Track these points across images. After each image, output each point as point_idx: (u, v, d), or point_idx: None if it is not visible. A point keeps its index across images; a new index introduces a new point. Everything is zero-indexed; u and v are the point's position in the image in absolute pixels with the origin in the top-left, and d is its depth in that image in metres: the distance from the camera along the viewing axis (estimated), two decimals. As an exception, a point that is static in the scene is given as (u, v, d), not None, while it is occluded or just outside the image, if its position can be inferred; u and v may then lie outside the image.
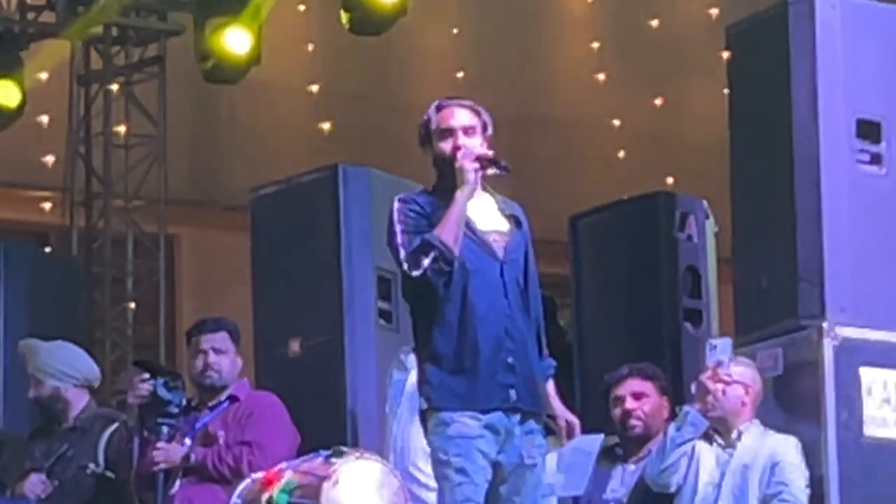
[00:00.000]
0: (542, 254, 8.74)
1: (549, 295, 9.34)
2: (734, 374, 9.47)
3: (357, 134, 15.85)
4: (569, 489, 9.86)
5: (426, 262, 8.32)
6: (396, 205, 8.54)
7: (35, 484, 10.42)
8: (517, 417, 8.42)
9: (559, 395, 8.70)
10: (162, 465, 10.03)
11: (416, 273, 8.34)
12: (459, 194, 8.39)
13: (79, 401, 10.67)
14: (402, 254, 8.42)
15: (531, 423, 8.46)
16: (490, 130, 8.62)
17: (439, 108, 8.64)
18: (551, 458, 9.02)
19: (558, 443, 8.81)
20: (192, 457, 10.11)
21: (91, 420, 10.63)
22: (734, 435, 9.49)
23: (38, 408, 10.88)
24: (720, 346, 9.77)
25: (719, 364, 9.62)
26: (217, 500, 9.84)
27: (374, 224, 10.45)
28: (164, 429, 10.04)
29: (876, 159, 9.61)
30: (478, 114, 8.63)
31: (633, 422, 9.95)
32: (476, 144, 8.51)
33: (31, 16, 15.87)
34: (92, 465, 10.48)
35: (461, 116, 8.58)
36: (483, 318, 8.42)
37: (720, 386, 9.55)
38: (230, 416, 10.26)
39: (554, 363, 8.65)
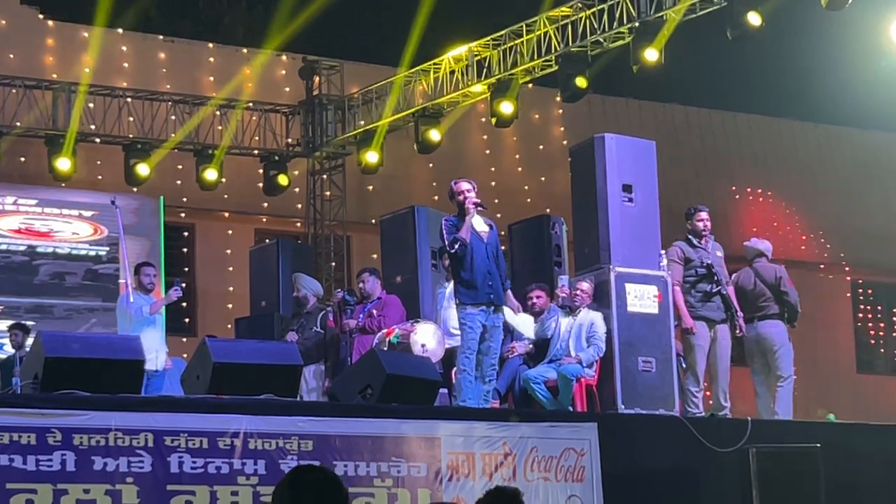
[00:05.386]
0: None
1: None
2: (580, 287, 9.20)
3: (423, 193, 15.81)
4: (524, 331, 9.65)
5: (457, 246, 8.51)
6: (444, 222, 8.75)
7: (291, 335, 10.17)
8: (493, 306, 8.60)
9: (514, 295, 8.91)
10: (347, 330, 9.91)
11: (452, 251, 8.60)
12: (467, 219, 8.61)
13: (312, 300, 10.50)
14: (447, 243, 8.63)
15: (499, 310, 8.67)
16: (475, 188, 8.76)
17: (456, 183, 8.86)
18: (509, 313, 8.97)
19: (510, 311, 8.99)
20: (359, 324, 9.95)
21: (314, 309, 10.43)
22: (577, 313, 9.24)
23: (294, 302, 10.72)
24: (563, 279, 9.76)
25: (563, 285, 9.56)
26: (371, 343, 9.61)
27: (431, 229, 10.42)
28: (348, 311, 9.95)
29: (630, 200, 9.32)
30: (471, 182, 8.80)
31: (534, 309, 9.69)
32: (473, 196, 8.67)
33: (291, 148, 15.91)
34: (315, 328, 10.28)
35: (466, 186, 8.75)
36: (479, 267, 8.56)
37: (563, 294, 9.45)
38: (378, 305, 10.08)
39: (509, 283, 8.89)
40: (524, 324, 9.57)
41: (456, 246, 8.56)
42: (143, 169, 14.43)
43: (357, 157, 15.45)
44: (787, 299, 9.73)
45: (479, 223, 8.72)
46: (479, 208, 8.65)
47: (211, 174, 14.99)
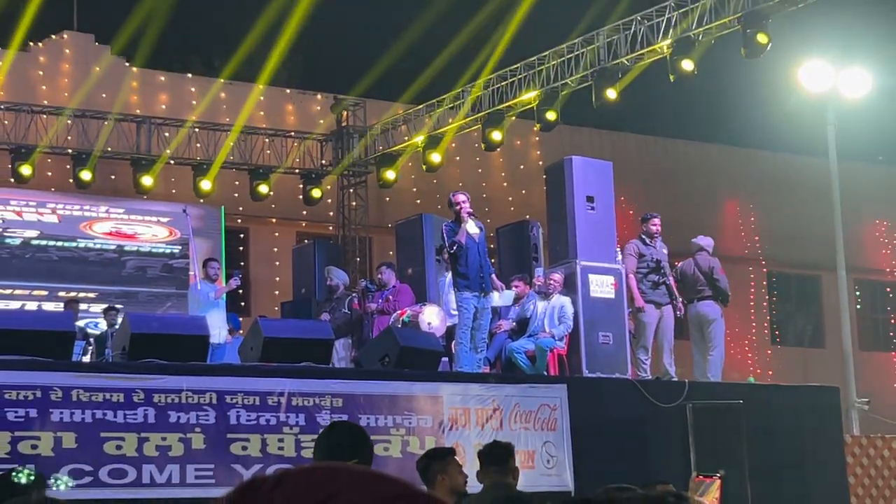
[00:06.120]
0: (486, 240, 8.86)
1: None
2: (553, 277, 9.12)
3: (428, 203, 15.73)
4: (505, 303, 9.52)
5: (454, 248, 8.44)
6: (444, 227, 8.68)
7: (325, 315, 10.07)
8: (483, 293, 8.54)
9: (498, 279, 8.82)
10: (370, 311, 9.88)
11: (451, 252, 8.53)
12: (463, 226, 8.52)
13: (341, 288, 10.43)
14: (447, 244, 8.55)
15: (488, 295, 8.62)
16: (469, 199, 8.66)
17: (453, 194, 8.81)
18: (496, 296, 8.85)
19: (496, 294, 8.87)
20: (378, 307, 9.89)
21: (343, 295, 10.36)
22: (551, 297, 9.18)
23: (327, 289, 10.60)
24: (539, 271, 9.75)
25: (538, 276, 9.53)
26: (388, 322, 9.52)
27: (435, 232, 10.30)
28: (370, 296, 9.92)
29: (592, 208, 9.26)
30: (466, 195, 8.72)
31: (518, 293, 9.59)
32: (467, 206, 8.58)
33: (324, 168, 15.72)
34: (344, 310, 10.19)
35: (462, 198, 8.66)
36: (472, 262, 8.48)
37: (539, 282, 9.41)
38: (393, 293, 10.02)
39: (493, 270, 8.77)
40: (505, 297, 9.45)
41: (454, 248, 8.51)
42: (206, 185, 14.37)
43: (377, 175, 15.41)
44: (719, 285, 9.67)
45: (471, 227, 8.66)
46: (471, 216, 8.59)
47: (262, 188, 14.95)
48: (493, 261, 9.45)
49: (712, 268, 9.69)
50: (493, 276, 8.81)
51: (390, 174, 15.30)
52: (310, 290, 11.92)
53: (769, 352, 18.43)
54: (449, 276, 9.41)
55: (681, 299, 9.58)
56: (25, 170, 13.35)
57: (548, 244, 9.81)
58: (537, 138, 17.55)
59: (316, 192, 15.51)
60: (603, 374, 8.94)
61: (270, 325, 8.14)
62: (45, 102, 14.26)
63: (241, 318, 12.63)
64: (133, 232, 14.30)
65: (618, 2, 12.70)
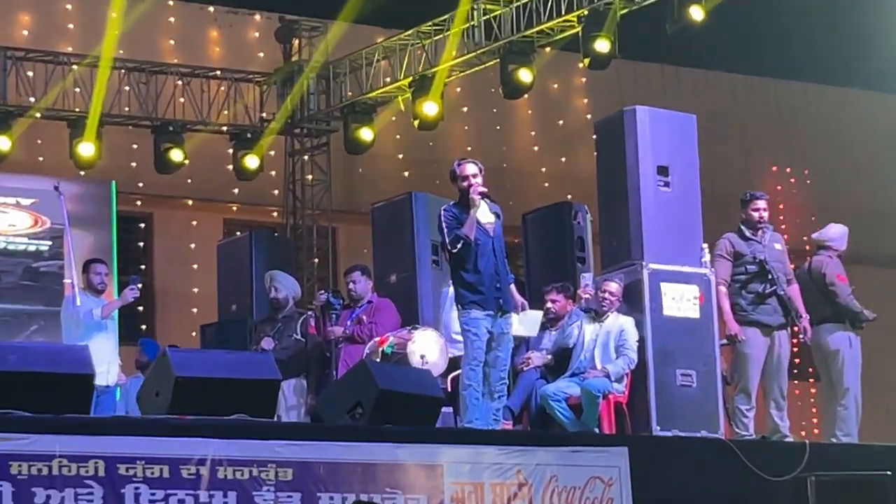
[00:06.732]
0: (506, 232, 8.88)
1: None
2: (608, 288, 9.20)
3: (421, 176, 15.84)
4: (527, 333, 9.63)
5: (459, 245, 8.47)
6: (442, 213, 8.69)
7: (267, 343, 10.19)
8: (501, 311, 8.59)
9: (517, 291, 8.88)
10: (332, 338, 9.96)
11: (454, 251, 8.55)
12: (472, 212, 8.56)
13: (290, 303, 10.52)
14: (447, 240, 8.56)
15: (507, 314, 8.66)
16: (482, 171, 8.71)
17: (458, 164, 8.78)
18: (514, 319, 8.88)
19: (514, 313, 8.87)
20: (347, 332, 10.00)
21: (292, 313, 10.45)
22: (604, 318, 9.26)
23: (271, 305, 10.70)
24: (587, 277, 9.86)
25: (586, 285, 9.63)
26: (361, 354, 9.66)
27: (430, 220, 10.40)
28: (333, 316, 9.99)
29: (666, 184, 9.40)
30: (476, 164, 8.74)
31: (550, 315, 9.71)
32: (479, 182, 8.62)
33: (266, 124, 15.81)
34: (294, 335, 10.28)
35: (470, 169, 8.69)
36: (485, 267, 8.54)
37: (587, 296, 9.51)
38: (369, 310, 10.15)
39: (513, 277, 8.80)
40: (532, 319, 9.61)
41: (458, 245, 8.54)
42: (86, 149, 14.32)
43: (344, 135, 15.44)
44: (837, 300, 9.76)
45: (484, 213, 8.68)
46: (485, 197, 8.62)
47: (174, 154, 14.97)
48: (517, 264, 9.56)
49: (824, 274, 9.75)
50: (512, 285, 8.84)
51: (365, 133, 15.36)
52: (244, 305, 12.04)
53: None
54: (452, 287, 9.39)
55: (806, 317, 9.59)
56: None
57: (599, 238, 9.92)
58: (583, 79, 17.64)
59: (252, 161, 15.60)
60: (682, 431, 9.03)
61: (185, 358, 8.15)
62: None
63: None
64: (-23, 220, 14.32)
65: None
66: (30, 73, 14.71)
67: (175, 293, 15.90)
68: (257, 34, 16.72)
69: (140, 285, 10.46)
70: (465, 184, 8.66)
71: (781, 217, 16.06)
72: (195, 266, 15.85)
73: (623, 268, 9.38)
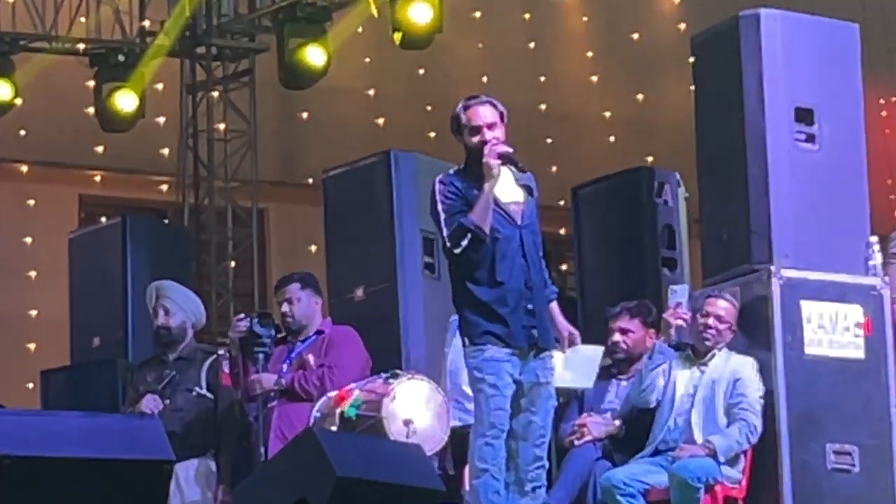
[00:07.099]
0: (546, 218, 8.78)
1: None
2: (715, 311, 9.31)
3: (404, 126, 15.83)
4: (578, 383, 9.75)
5: (465, 242, 8.30)
6: (438, 186, 8.49)
7: (150, 402, 10.26)
8: (536, 349, 8.42)
9: (562, 312, 8.68)
10: (258, 392, 9.96)
11: (457, 251, 8.35)
12: (487, 186, 8.36)
13: (189, 334, 10.58)
14: (446, 233, 8.41)
15: (546, 353, 8.49)
16: (506, 119, 8.53)
17: (466, 108, 8.56)
18: (558, 359, 8.80)
19: (559, 351, 8.76)
20: (283, 381, 10.03)
21: (193, 352, 10.53)
22: (708, 357, 9.34)
23: (159, 337, 10.71)
24: (679, 291, 9.68)
25: (678, 305, 9.49)
26: (306, 419, 9.70)
27: (420, 196, 10.32)
28: (261, 356, 10.00)
29: (810, 138, 9.46)
30: (495, 107, 8.55)
31: (618, 353, 9.81)
32: (499, 136, 8.44)
33: (149, 39, 15.88)
34: (196, 389, 10.36)
35: (485, 114, 8.50)
36: (508, 277, 8.38)
37: (679, 322, 9.44)
38: (317, 345, 10.18)
39: (556, 290, 8.64)
40: (588, 361, 9.80)
41: (464, 241, 8.42)
42: None
43: (282, 57, 15.41)
44: None
45: (507, 186, 8.55)
46: (509, 164, 8.50)
47: (2, 90, 15.05)
48: (562, 268, 9.37)
49: None
50: (555, 303, 8.70)
51: (313, 54, 15.28)
52: (112, 339, 12.20)
53: None
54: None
55: None
56: None
57: (701, 226, 10.06)
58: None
59: (126, 100, 15.59)
60: (837, 545, 9.10)
61: (14, 427, 8.05)
62: None
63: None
64: None
65: None
66: None
67: (5, 317, 15.96)
68: None
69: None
70: (477, 139, 8.52)
71: None
72: (32, 274, 15.97)
73: (739, 275, 9.52)
